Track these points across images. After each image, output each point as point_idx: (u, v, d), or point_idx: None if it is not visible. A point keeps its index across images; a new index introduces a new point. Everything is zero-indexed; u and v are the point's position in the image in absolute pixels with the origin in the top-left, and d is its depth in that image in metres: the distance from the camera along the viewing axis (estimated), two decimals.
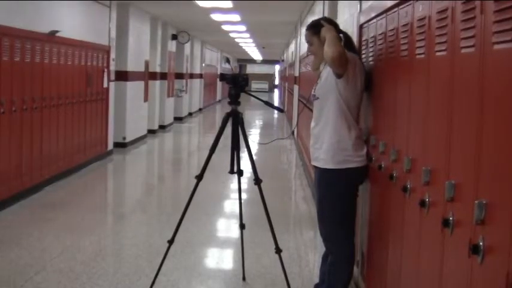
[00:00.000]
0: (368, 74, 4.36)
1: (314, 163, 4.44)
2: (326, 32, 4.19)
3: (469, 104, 2.42)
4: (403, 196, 3.31)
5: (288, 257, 5.41)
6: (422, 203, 2.91)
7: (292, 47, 20.79)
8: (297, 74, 16.25)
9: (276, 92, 51.10)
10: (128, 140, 14.04)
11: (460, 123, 2.53)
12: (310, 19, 10.09)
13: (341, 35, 4.36)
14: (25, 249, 6.11)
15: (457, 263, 2.47)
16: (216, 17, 15.67)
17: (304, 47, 12.51)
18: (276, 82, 54.21)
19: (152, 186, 10.66)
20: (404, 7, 3.55)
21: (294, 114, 14.50)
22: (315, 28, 4.37)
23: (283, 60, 34.92)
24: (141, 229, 7.35)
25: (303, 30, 13.38)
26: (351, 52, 4.28)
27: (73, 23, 10.14)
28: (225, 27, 18.97)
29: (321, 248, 4.54)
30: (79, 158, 10.54)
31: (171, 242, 4.83)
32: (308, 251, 6.45)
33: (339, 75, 4.15)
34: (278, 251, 4.80)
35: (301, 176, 10.88)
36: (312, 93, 4.48)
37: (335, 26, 4.37)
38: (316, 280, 4.72)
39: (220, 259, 6.27)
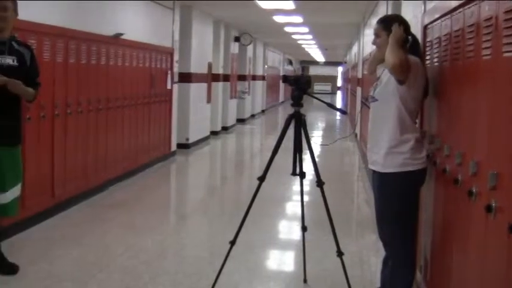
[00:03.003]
0: (427, 78, 4.30)
1: (372, 167, 4.39)
2: (390, 37, 4.14)
3: None
4: (468, 200, 3.25)
5: (349, 260, 5.36)
6: (489, 208, 2.84)
7: (355, 49, 20.65)
8: (359, 76, 16.13)
9: (339, 93, 50.88)
10: (191, 141, 14.15)
11: None
12: (374, 20, 9.98)
13: (409, 37, 4.29)
14: (89, 247, 6.22)
15: None
16: (278, 18, 15.68)
17: (367, 48, 12.41)
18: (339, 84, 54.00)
19: (214, 187, 10.71)
20: (470, 7, 3.48)
21: (356, 116, 14.43)
22: (386, 23, 4.32)
23: (345, 62, 34.72)
24: (203, 230, 7.40)
25: (366, 31, 13.30)
26: (415, 56, 4.21)
27: (137, 26, 10.28)
28: (287, 29, 18.96)
29: (383, 252, 4.48)
30: (143, 159, 10.67)
31: (232, 243, 4.84)
32: (370, 254, 6.38)
33: (400, 82, 4.09)
34: (340, 254, 4.76)
35: (363, 178, 10.80)
36: (371, 94, 4.43)
37: (406, 27, 4.30)
38: (378, 284, 4.66)
39: (282, 261, 6.26)
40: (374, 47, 4.54)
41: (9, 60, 5.11)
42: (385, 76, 4.27)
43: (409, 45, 4.24)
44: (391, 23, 4.26)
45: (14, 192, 5.24)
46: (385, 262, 4.48)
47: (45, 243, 6.28)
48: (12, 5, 5.14)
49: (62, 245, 6.22)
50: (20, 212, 5.57)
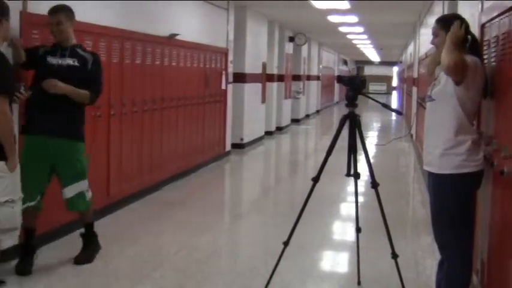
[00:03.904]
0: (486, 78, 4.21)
1: (427, 168, 4.32)
2: (448, 36, 4.07)
3: None
4: None
5: (404, 262, 5.30)
6: None
7: (410, 48, 20.43)
8: (415, 76, 15.96)
9: (395, 93, 50.44)
10: (245, 141, 14.19)
11: None
12: (430, 19, 9.87)
13: (468, 36, 4.21)
14: (143, 245, 6.28)
15: None
16: (333, 18, 15.61)
17: (423, 48, 12.26)
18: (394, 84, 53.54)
19: (268, 187, 10.72)
20: None
21: (413, 116, 14.28)
22: (444, 23, 4.26)
23: (401, 62, 34.39)
24: (256, 230, 7.41)
25: (422, 30, 13.15)
26: (475, 55, 4.13)
27: (192, 26, 10.36)
28: (342, 29, 18.86)
29: (439, 254, 4.41)
30: (197, 158, 10.73)
31: (286, 243, 4.84)
32: (425, 256, 6.30)
33: (457, 83, 4.02)
34: (394, 256, 4.72)
35: (419, 179, 10.67)
36: (428, 94, 4.36)
37: (466, 26, 4.23)
38: (433, 287, 4.60)
39: (335, 262, 6.23)
40: (430, 46, 4.48)
41: (70, 61, 5.33)
42: (444, 76, 4.20)
43: (469, 44, 4.17)
44: (450, 22, 4.19)
45: (77, 187, 5.41)
46: (440, 265, 4.41)
47: (100, 241, 6.35)
48: (66, 16, 5.28)
49: (117, 243, 6.30)
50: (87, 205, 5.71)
